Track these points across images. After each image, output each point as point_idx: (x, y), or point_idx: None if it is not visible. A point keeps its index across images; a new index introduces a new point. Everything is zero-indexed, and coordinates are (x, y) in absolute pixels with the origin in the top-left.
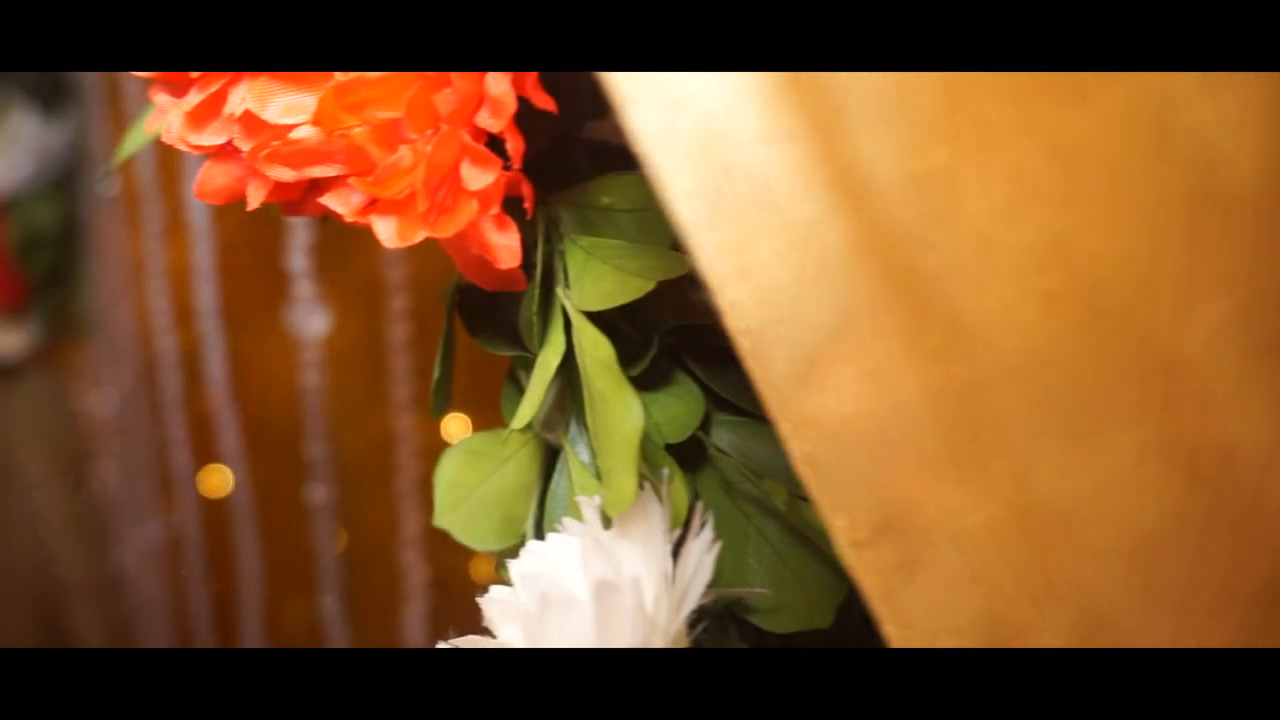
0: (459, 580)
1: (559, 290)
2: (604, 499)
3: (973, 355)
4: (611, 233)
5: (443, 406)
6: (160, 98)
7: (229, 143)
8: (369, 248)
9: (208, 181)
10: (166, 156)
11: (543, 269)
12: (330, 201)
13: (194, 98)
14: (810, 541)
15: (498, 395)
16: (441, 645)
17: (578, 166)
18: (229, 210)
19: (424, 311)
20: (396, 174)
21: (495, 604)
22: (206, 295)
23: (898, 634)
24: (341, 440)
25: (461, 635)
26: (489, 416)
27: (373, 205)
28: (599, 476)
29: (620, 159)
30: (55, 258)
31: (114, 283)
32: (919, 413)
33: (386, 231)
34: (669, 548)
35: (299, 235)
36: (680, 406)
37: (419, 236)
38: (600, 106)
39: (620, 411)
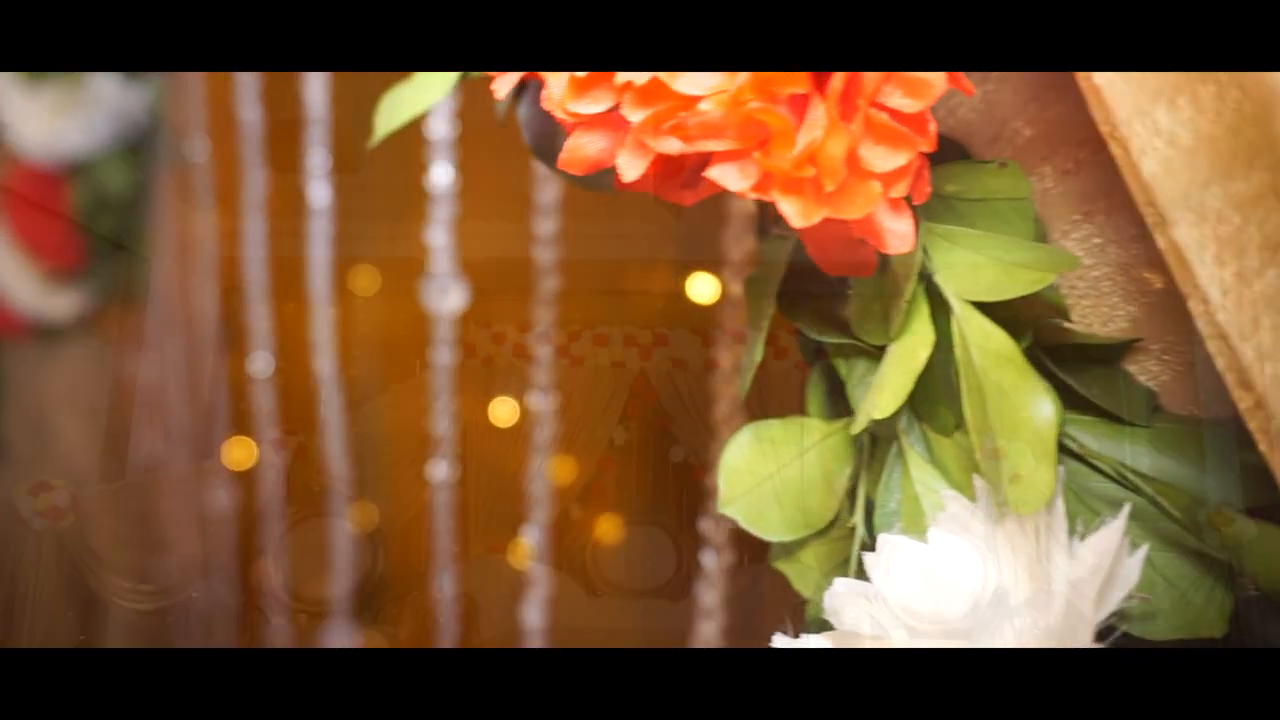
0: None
1: (938, 280)
2: (1013, 496)
3: None
4: (954, 220)
5: (748, 389)
6: None
7: (608, 111)
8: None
9: (576, 150)
10: None
11: (919, 258)
12: (720, 176)
13: None
14: (1186, 548)
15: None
16: (783, 642)
17: None
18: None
19: None
20: (810, 151)
21: (851, 599)
22: (319, 269)
23: None
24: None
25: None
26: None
27: (765, 182)
28: (937, 468)
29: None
30: (121, 222)
31: (182, 251)
32: None
33: (790, 210)
34: (1067, 547)
35: (440, 209)
36: None
37: (819, 217)
38: None
39: (1030, 404)
